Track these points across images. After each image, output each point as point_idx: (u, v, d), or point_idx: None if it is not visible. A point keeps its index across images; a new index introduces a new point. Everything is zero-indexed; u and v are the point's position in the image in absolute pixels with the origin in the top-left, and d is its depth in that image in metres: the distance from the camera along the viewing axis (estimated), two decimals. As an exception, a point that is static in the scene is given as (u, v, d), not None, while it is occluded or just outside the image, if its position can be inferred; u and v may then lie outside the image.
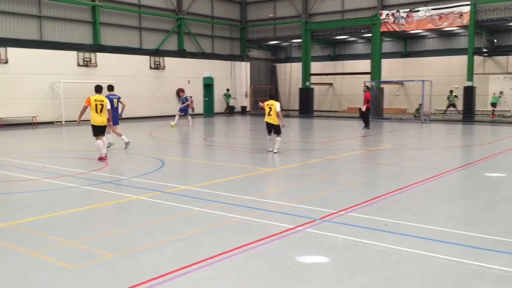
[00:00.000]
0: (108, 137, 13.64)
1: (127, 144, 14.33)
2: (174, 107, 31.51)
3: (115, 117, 14.37)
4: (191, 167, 11.95)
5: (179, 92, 24.46)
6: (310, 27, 32.46)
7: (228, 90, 34.64)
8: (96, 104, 12.07)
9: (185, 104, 23.39)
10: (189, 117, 23.41)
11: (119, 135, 14.55)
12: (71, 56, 25.81)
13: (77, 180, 9.60)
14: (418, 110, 28.97)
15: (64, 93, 25.12)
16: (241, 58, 36.59)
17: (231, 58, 35.70)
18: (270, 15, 35.17)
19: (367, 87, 24.01)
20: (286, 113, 34.82)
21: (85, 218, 7.04)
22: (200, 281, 4.67)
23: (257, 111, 36.74)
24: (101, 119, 12.15)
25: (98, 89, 12.28)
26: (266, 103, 13.37)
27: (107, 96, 13.40)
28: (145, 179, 9.76)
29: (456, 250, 5.45)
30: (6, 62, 23.08)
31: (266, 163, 11.99)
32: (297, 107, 34.56)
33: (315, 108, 34.49)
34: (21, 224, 6.57)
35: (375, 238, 5.87)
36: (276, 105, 13.06)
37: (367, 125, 21.87)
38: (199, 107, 33.40)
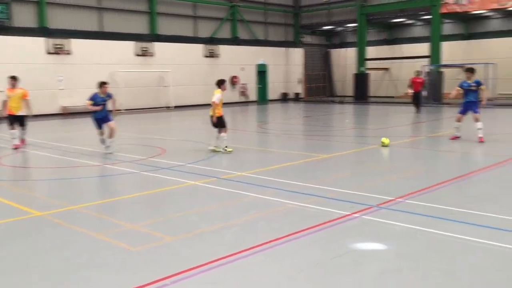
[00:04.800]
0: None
1: None
2: (229, 94, 31.84)
3: None
4: (246, 153, 12.03)
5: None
6: (365, 11, 31.63)
7: None
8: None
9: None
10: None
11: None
12: (130, 46, 26.57)
13: (137, 166, 9.93)
14: None
15: (123, 82, 25.95)
16: (294, 44, 36.30)
17: (284, 45, 35.50)
18: (324, 0, 34.55)
19: (419, 71, 23.43)
20: (340, 99, 34.29)
21: (145, 202, 7.29)
22: (255, 266, 4.71)
23: (311, 98, 36.41)
24: None
25: None
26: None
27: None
28: (201, 165, 9.94)
29: (524, 241, 5.20)
30: (70, 53, 24.12)
31: (321, 150, 11.89)
32: (351, 93, 33.96)
33: (371, 94, 33.71)
34: (87, 208, 6.89)
35: (436, 226, 5.69)
36: (215, 95, 11.14)
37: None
38: (252, 94, 33.53)
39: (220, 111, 11.42)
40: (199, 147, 12.84)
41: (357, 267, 4.64)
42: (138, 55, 26.92)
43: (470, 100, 12.71)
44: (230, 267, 4.65)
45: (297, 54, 36.37)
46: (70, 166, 10.46)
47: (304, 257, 4.88)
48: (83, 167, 10.30)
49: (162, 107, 28.04)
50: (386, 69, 35.77)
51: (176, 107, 28.03)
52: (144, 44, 27.13)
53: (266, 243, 5.23)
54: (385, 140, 12.03)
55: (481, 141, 12.23)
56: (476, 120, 12.51)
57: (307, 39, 37.64)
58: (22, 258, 5.00)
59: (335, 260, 4.80)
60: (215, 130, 11.63)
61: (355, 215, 6.21)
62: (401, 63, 34.41)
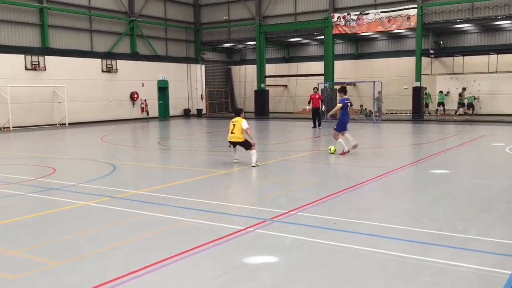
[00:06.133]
0: None
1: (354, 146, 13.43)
2: (129, 110, 31.02)
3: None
4: (143, 171, 11.77)
5: None
6: (264, 30, 32.68)
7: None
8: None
9: None
10: None
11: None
12: (18, 59, 24.94)
13: (23, 188, 9.28)
14: (362, 110, 30.50)
15: (12, 98, 24.23)
16: (196, 60, 36.40)
17: (186, 61, 35.45)
18: (224, 18, 35.17)
19: (316, 88, 24.80)
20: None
21: (29, 226, 6.81)
22: (148, 286, 4.61)
23: (213, 114, 36.63)
24: None
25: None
26: (233, 120, 12.00)
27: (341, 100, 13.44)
28: (95, 184, 9.54)
29: (400, 245, 5.62)
30: None
31: (221, 166, 11.97)
32: (252, 109, 34.72)
33: (271, 109, 34.75)
34: (-40, 235, 6.29)
35: (324, 236, 5.97)
36: (242, 122, 11.75)
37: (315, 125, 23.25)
38: (154, 110, 32.98)
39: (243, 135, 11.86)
40: (95, 165, 12.34)
41: (251, 279, 4.72)
42: (28, 69, 25.33)
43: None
44: (119, 290, 4.50)
45: (199, 71, 36.50)
46: None
47: (199, 273, 4.86)
48: (-40, 191, 9.41)
49: (56, 124, 26.57)
50: (284, 86, 37.11)
51: (71, 124, 26.72)
52: (35, 58, 25.61)
53: (159, 262, 5.14)
54: (332, 148, 13.06)
55: (342, 153, 13.16)
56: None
57: (208, 55, 37.97)
58: None
59: (230, 274, 4.85)
60: (234, 149, 12.03)
61: (250, 229, 6.32)
62: (297, 80, 35.96)
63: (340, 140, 13.36)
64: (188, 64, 35.54)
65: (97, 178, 10.28)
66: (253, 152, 11.75)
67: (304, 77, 34.37)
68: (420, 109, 27.75)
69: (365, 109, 30.50)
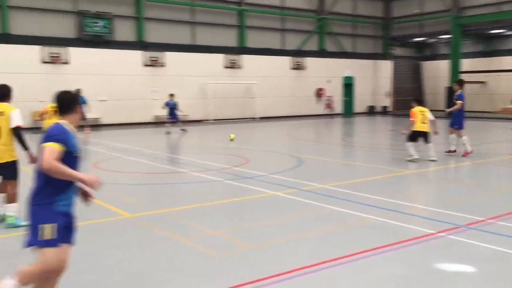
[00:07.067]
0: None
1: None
2: (314, 106, 31.77)
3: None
4: (328, 166, 11.94)
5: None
6: (460, 22, 30.15)
7: None
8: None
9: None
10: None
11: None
12: (219, 58, 27.51)
13: (221, 175, 10.23)
14: None
15: (212, 93, 26.90)
16: (383, 56, 35.44)
17: (372, 57, 34.79)
18: (416, 11, 33.46)
19: None
20: (433, 113, 32.79)
21: (226, 210, 7.49)
22: (332, 279, 4.67)
23: (399, 111, 35.27)
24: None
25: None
26: (418, 109, 11.97)
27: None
28: (283, 176, 10.01)
29: None
30: (164, 65, 25.48)
31: (407, 165, 11.47)
32: (443, 107, 32.41)
33: (465, 108, 31.95)
34: (172, 212, 7.23)
35: (530, 251, 5.28)
36: (429, 113, 12.13)
37: None
38: (338, 107, 33.16)
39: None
40: (283, 157, 12.94)
41: (443, 285, 4.43)
42: (226, 67, 27.77)
43: (454, 113, 12.89)
44: (305, 279, 4.64)
45: (386, 67, 35.46)
46: (159, 172, 11.03)
47: (385, 274, 4.74)
48: (171, 174, 10.83)
49: (248, 118, 28.61)
50: (482, 82, 33.77)
51: (261, 118, 28.49)
52: (233, 57, 27.95)
53: (345, 257, 5.15)
54: (232, 136, 13.21)
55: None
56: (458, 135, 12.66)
57: (397, 51, 36.59)
58: (107, 256, 5.36)
59: (419, 278, 4.63)
60: (412, 143, 11.87)
61: (441, 234, 5.93)
62: (499, 76, 32.34)
63: (465, 137, 12.40)
64: (375, 60, 34.81)
65: (285, 170, 10.77)
66: (431, 146, 11.71)
67: (507, 73, 30.75)
68: None
69: None
